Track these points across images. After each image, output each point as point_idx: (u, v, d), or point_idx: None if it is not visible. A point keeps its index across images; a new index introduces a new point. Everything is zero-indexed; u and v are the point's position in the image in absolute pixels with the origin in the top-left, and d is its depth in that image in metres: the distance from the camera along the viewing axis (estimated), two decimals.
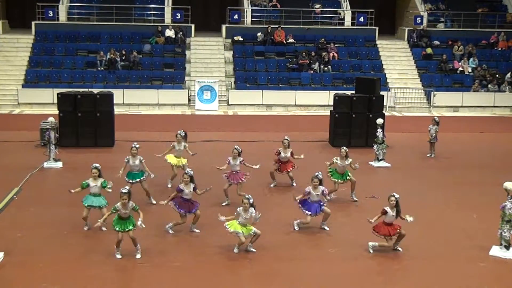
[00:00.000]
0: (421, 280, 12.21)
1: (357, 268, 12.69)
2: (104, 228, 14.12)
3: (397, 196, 13.26)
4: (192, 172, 14.16)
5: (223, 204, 16.26)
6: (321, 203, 14.54)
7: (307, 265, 12.76)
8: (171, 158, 17.69)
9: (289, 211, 15.64)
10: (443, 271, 12.63)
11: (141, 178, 16.12)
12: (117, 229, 12.68)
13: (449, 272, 12.60)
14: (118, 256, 12.75)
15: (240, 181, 16.30)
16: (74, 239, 13.77)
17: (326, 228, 14.73)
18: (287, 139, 18.00)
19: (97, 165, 14.36)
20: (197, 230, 14.40)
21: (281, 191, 17.92)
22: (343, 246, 13.77)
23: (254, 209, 12.98)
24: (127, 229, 12.68)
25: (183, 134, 17.78)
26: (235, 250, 13.16)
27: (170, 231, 14.31)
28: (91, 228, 14.08)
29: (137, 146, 16.26)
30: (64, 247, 13.29)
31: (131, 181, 16.05)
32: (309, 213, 14.39)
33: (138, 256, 12.78)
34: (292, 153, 17.94)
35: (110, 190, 14.35)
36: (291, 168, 18.06)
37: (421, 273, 12.50)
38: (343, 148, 16.90)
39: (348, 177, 16.83)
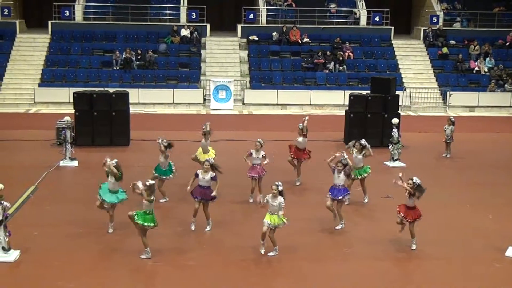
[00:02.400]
0: (437, 280, 12.17)
1: (372, 268, 12.67)
2: (110, 230, 14.17)
3: (416, 180, 13.34)
4: (213, 161, 14.25)
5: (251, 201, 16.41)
6: (347, 191, 14.60)
7: (322, 265, 12.76)
8: (200, 155, 17.58)
9: (306, 210, 15.67)
10: (459, 271, 12.58)
11: (169, 176, 16.12)
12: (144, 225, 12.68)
13: (464, 272, 12.56)
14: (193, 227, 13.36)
15: (261, 175, 16.30)
16: (89, 237, 13.84)
17: (339, 227, 14.72)
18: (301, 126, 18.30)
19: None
20: (207, 229, 14.41)
21: (299, 191, 17.92)
22: (358, 246, 13.75)
23: (283, 197, 12.86)
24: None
25: (208, 128, 17.80)
26: (262, 251, 13.09)
27: (193, 227, 14.35)
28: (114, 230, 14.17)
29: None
30: (80, 245, 13.37)
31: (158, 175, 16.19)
32: (330, 194, 14.51)
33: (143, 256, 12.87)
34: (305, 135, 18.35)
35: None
36: (306, 157, 18.15)
37: (436, 273, 12.45)
38: (361, 141, 16.80)
39: (365, 174, 16.68)
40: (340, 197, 14.48)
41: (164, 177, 16.18)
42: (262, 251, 12.99)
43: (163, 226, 14.36)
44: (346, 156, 14.88)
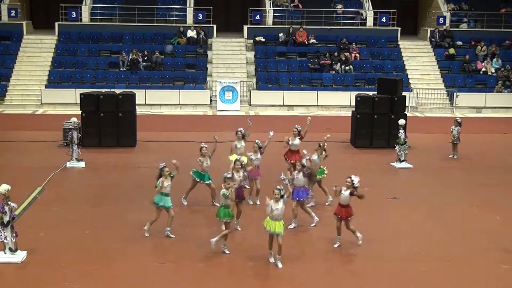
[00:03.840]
0: (444, 282, 12.13)
1: (378, 269, 12.63)
2: (172, 236, 14.03)
3: (355, 179, 13.21)
4: (243, 160, 14.23)
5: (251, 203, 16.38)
6: (307, 191, 14.55)
7: (329, 264, 12.73)
8: (233, 158, 16.90)
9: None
10: (466, 273, 12.54)
11: (210, 181, 16.02)
12: (227, 219, 12.88)
13: (472, 274, 12.51)
14: (227, 252, 13.04)
15: (257, 177, 16.26)
16: (96, 239, 13.86)
17: (291, 226, 14.56)
18: (296, 128, 17.98)
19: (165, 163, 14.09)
20: (239, 228, 14.38)
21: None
22: (364, 246, 13.69)
23: (284, 202, 12.54)
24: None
25: (243, 131, 17.43)
26: (271, 260, 12.76)
27: (238, 228, 14.36)
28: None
29: (206, 145, 16.02)
30: (86, 246, 13.38)
31: (198, 180, 16.03)
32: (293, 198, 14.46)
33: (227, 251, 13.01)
34: (301, 137, 17.94)
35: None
36: (297, 160, 17.95)
37: (444, 275, 12.42)
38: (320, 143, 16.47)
39: (320, 176, 16.24)
40: (302, 199, 14.48)
41: (202, 181, 16.00)
42: (272, 260, 12.69)
43: (172, 226, 14.39)
44: (307, 157, 14.94)
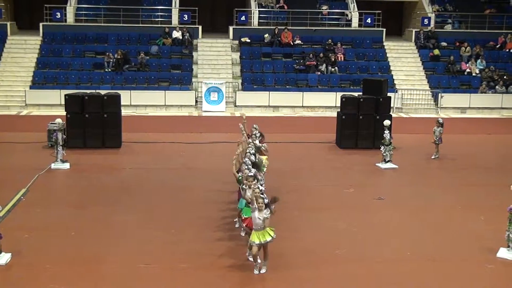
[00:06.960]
0: (429, 282, 12.17)
1: (363, 270, 12.65)
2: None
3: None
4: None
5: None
6: None
7: (315, 266, 12.73)
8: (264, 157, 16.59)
9: (293, 212, 15.65)
10: (451, 273, 12.58)
11: None
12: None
13: (456, 274, 12.56)
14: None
15: None
16: (81, 240, 13.78)
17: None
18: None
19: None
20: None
21: (290, 193, 17.92)
22: (350, 247, 13.73)
23: (269, 210, 12.01)
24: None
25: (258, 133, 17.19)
26: (256, 272, 12.34)
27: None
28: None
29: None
30: (71, 248, 13.31)
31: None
32: None
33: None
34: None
35: None
36: None
37: (428, 275, 12.46)
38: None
39: None
40: None
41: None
42: (257, 271, 12.33)
43: (157, 228, 14.38)
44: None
